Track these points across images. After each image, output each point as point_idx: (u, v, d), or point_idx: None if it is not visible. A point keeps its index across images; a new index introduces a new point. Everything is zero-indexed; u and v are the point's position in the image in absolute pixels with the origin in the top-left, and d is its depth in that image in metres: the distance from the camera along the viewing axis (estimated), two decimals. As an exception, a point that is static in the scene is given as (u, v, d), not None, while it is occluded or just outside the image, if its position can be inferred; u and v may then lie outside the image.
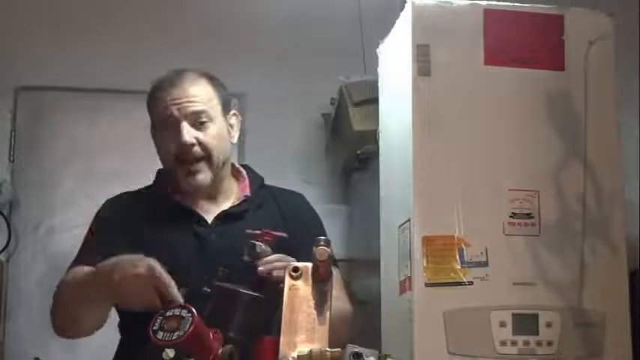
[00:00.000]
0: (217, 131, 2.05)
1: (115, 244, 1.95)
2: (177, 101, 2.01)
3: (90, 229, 2.08)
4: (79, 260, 2.01)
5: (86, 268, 1.91)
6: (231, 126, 2.11)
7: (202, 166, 2.02)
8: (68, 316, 1.94)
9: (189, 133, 2.00)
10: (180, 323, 1.50)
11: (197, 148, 2.01)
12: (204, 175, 2.03)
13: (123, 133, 3.44)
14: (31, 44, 3.48)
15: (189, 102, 2.01)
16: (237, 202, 2.11)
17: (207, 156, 2.02)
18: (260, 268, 1.78)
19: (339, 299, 2.04)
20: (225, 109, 2.10)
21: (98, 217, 2.10)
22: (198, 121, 2.02)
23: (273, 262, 1.79)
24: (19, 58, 3.47)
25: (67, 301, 1.92)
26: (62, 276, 2.00)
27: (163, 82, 2.06)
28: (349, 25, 3.44)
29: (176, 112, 2.00)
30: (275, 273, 1.76)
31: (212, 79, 2.09)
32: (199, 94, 2.04)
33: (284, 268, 1.66)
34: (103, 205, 2.13)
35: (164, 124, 2.03)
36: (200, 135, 2.01)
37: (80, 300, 1.88)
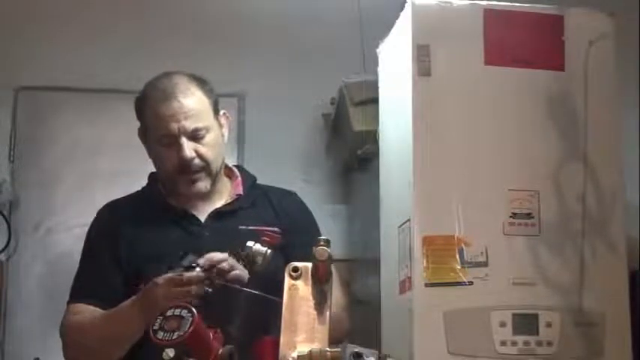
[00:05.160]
0: (214, 140, 2.07)
1: (108, 270, 1.99)
2: (175, 117, 2.02)
3: (83, 255, 2.10)
4: (77, 296, 2.03)
5: (98, 312, 1.96)
6: (221, 126, 2.13)
7: (202, 175, 2.06)
8: (103, 350, 1.96)
9: (189, 147, 2.02)
10: (180, 323, 1.50)
11: (197, 160, 2.04)
12: (203, 183, 2.06)
13: (123, 134, 3.42)
14: (31, 44, 3.48)
15: (186, 117, 2.02)
16: (230, 200, 2.13)
17: (206, 166, 2.05)
18: (199, 261, 1.81)
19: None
20: (216, 111, 2.11)
21: (88, 240, 2.11)
22: (196, 134, 2.03)
23: (214, 259, 1.81)
24: (19, 58, 3.47)
25: (103, 336, 1.93)
26: (66, 314, 2.01)
27: (155, 92, 2.06)
28: (349, 25, 3.44)
29: (175, 129, 2.02)
30: (218, 271, 1.79)
31: (202, 84, 2.10)
32: (195, 107, 2.05)
33: (226, 271, 1.69)
34: (93, 222, 2.14)
35: (162, 139, 2.04)
36: (199, 147, 2.04)
37: (123, 332, 1.89)
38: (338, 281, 2.10)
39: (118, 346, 1.93)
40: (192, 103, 2.05)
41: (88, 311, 1.99)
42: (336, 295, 2.03)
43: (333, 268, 2.07)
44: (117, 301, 1.95)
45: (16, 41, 3.48)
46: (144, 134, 2.12)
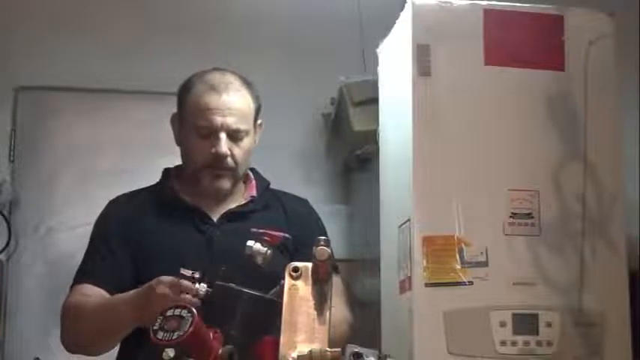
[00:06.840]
0: (248, 145, 2.09)
1: (117, 256, 1.98)
2: (221, 111, 2.02)
3: (91, 240, 2.09)
4: (83, 277, 2.02)
5: (100, 292, 1.94)
6: (255, 133, 2.14)
7: (228, 174, 2.06)
8: (94, 339, 1.96)
9: (226, 144, 2.02)
10: (180, 323, 1.50)
11: (229, 159, 2.05)
12: (227, 182, 2.07)
13: (123, 133, 3.44)
14: (31, 44, 3.48)
15: (232, 115, 2.03)
16: (244, 202, 2.13)
17: (235, 167, 2.06)
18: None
19: (335, 307, 2.05)
20: (256, 118, 2.13)
21: (98, 226, 2.11)
22: (236, 135, 2.04)
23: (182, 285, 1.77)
24: (19, 58, 3.47)
25: (94, 325, 1.92)
26: (69, 295, 2.00)
27: (205, 84, 2.06)
28: (349, 25, 3.44)
29: (218, 122, 2.02)
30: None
31: (252, 88, 2.11)
32: (242, 108, 2.06)
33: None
34: (102, 211, 2.14)
35: (201, 130, 2.04)
36: (234, 147, 2.05)
37: (114, 325, 1.89)
38: (344, 297, 2.11)
39: (107, 337, 1.93)
40: (240, 103, 2.06)
41: (95, 294, 1.97)
42: (343, 312, 2.04)
43: (340, 285, 2.08)
44: (124, 291, 1.94)
45: (16, 41, 3.48)
46: (178, 121, 2.12)
